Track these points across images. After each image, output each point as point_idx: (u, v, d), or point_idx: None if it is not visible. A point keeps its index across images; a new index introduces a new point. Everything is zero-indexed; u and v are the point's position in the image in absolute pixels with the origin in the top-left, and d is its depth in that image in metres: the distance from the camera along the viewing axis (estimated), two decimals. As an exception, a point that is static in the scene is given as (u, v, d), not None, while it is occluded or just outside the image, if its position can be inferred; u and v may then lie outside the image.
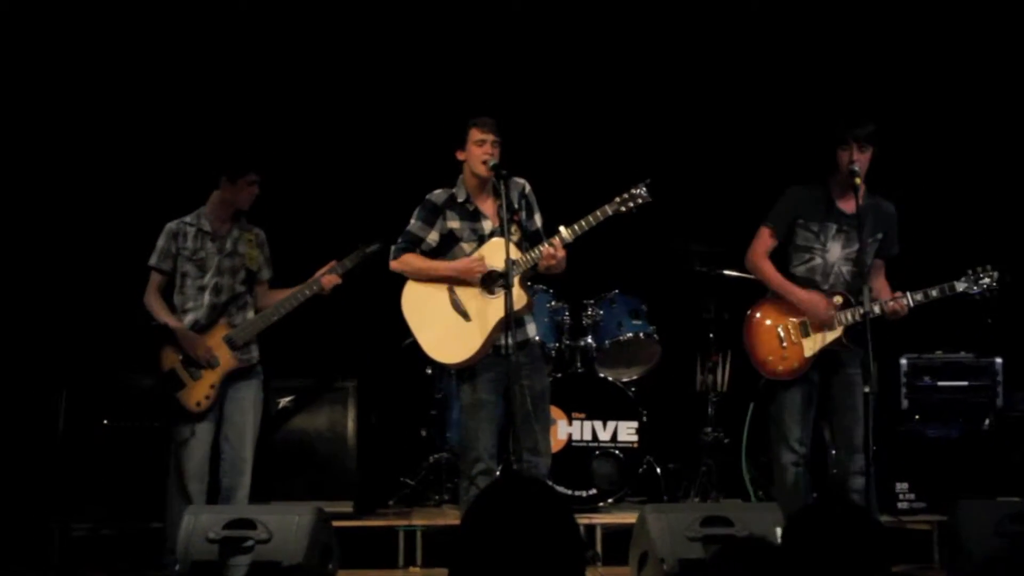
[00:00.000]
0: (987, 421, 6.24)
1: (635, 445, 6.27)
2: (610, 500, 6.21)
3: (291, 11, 6.90)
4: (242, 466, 5.36)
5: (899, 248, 5.31)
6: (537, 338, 5.35)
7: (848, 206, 5.18)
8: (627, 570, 4.74)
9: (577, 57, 7.09)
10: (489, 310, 5.04)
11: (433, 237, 5.16)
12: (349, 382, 6.26)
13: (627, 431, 6.29)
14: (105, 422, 5.98)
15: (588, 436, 6.28)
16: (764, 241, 5.29)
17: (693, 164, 7.08)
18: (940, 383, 6.33)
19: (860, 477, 5.07)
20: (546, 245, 4.95)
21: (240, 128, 6.74)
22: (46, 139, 6.74)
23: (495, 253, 5.02)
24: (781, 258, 5.30)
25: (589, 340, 6.51)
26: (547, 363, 6.16)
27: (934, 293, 5.06)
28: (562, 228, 4.96)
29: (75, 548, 5.72)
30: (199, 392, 5.32)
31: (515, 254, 4.91)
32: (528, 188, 5.23)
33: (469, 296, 5.09)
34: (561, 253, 4.96)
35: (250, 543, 4.47)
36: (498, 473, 5.26)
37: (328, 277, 5.41)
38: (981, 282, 5.04)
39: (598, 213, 4.95)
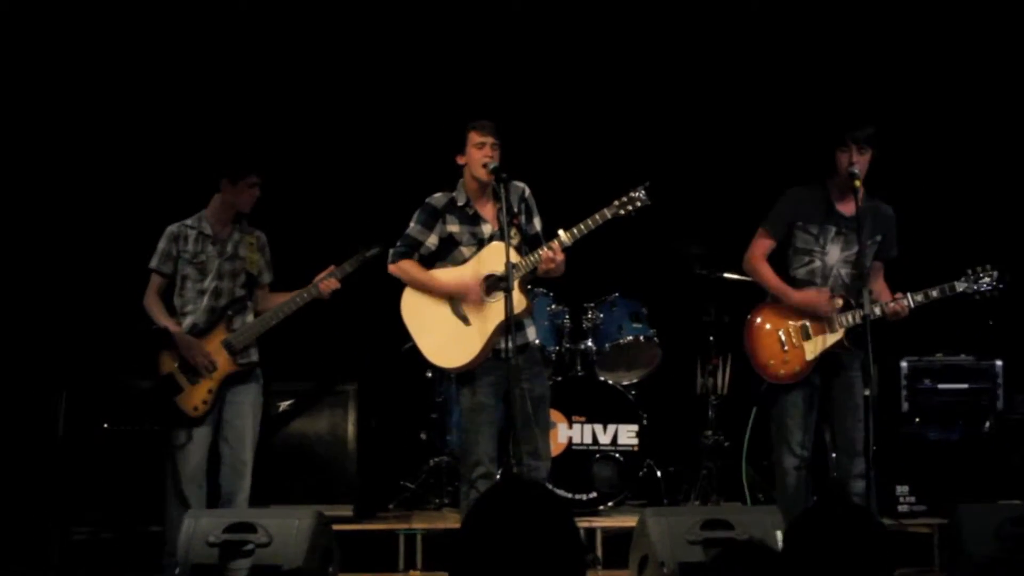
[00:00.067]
0: (987, 424, 6.24)
1: (635, 448, 6.27)
2: (610, 503, 6.21)
3: (291, 14, 6.90)
4: (242, 469, 5.35)
5: (898, 250, 5.31)
6: (537, 341, 5.35)
7: (847, 208, 5.17)
8: (627, 573, 4.73)
9: (576, 60, 7.09)
10: (488, 314, 5.04)
11: (432, 241, 5.16)
12: (349, 385, 6.26)
13: (627, 434, 6.29)
14: (105, 426, 5.98)
15: (588, 439, 6.28)
16: (762, 243, 5.29)
17: (693, 166, 7.08)
18: (940, 386, 6.33)
19: (861, 480, 5.06)
20: (545, 249, 4.95)
21: (241, 131, 6.74)
22: (46, 141, 6.74)
23: (494, 257, 5.02)
24: (780, 261, 5.30)
25: (589, 343, 6.51)
26: (547, 367, 6.17)
27: (934, 294, 5.05)
28: (561, 232, 4.95)
29: (75, 552, 5.72)
30: (196, 397, 5.31)
31: (514, 258, 4.91)
32: (528, 192, 5.23)
33: (468, 300, 5.09)
34: (560, 256, 4.96)
35: (250, 547, 4.46)
36: (498, 477, 5.26)
37: (327, 282, 5.40)
38: (981, 282, 5.04)
39: (597, 216, 4.94)
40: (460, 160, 5.15)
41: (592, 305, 6.57)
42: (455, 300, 5.11)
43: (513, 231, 5.03)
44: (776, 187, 5.37)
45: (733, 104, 7.14)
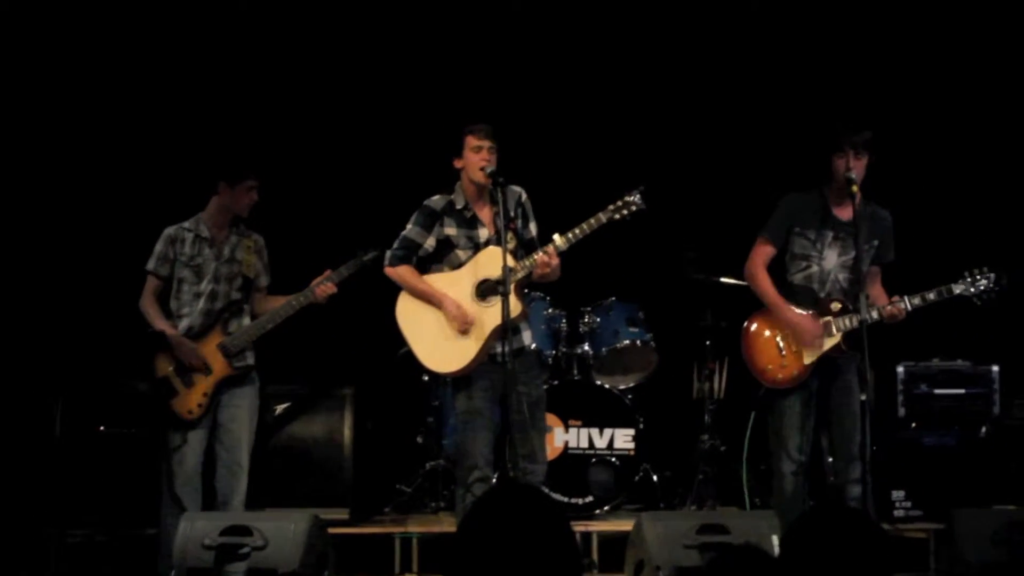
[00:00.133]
0: (984, 429, 6.24)
1: (631, 453, 6.26)
2: (606, 508, 6.20)
3: (290, 17, 6.90)
4: (238, 472, 5.35)
5: (895, 254, 5.31)
6: (534, 346, 5.35)
7: (844, 213, 5.18)
8: (623, 578, 4.73)
9: (573, 64, 7.09)
10: (484, 318, 5.04)
11: (430, 243, 5.16)
12: (346, 389, 6.26)
13: (624, 439, 6.28)
14: (101, 428, 5.97)
15: (584, 443, 6.28)
16: (762, 252, 5.29)
17: (690, 171, 7.08)
18: (937, 391, 6.32)
19: (858, 485, 5.05)
20: (541, 253, 4.95)
21: (239, 134, 6.74)
22: (43, 144, 6.73)
23: (490, 261, 5.03)
24: (779, 266, 5.30)
25: (586, 347, 6.51)
26: (544, 371, 6.17)
27: (931, 296, 5.05)
28: (556, 236, 4.95)
29: (70, 554, 5.71)
30: (191, 400, 5.31)
31: (510, 262, 4.91)
32: (524, 196, 5.23)
33: (464, 305, 5.08)
34: (555, 261, 4.97)
35: (246, 550, 4.46)
36: (494, 481, 5.25)
37: (323, 286, 5.40)
38: (978, 284, 5.03)
39: (592, 221, 4.95)
40: (457, 164, 5.15)
41: (589, 309, 6.57)
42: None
43: (510, 235, 5.03)
44: (773, 192, 5.37)
45: (730, 109, 7.14)
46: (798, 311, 5.17)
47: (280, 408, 6.16)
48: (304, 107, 7.03)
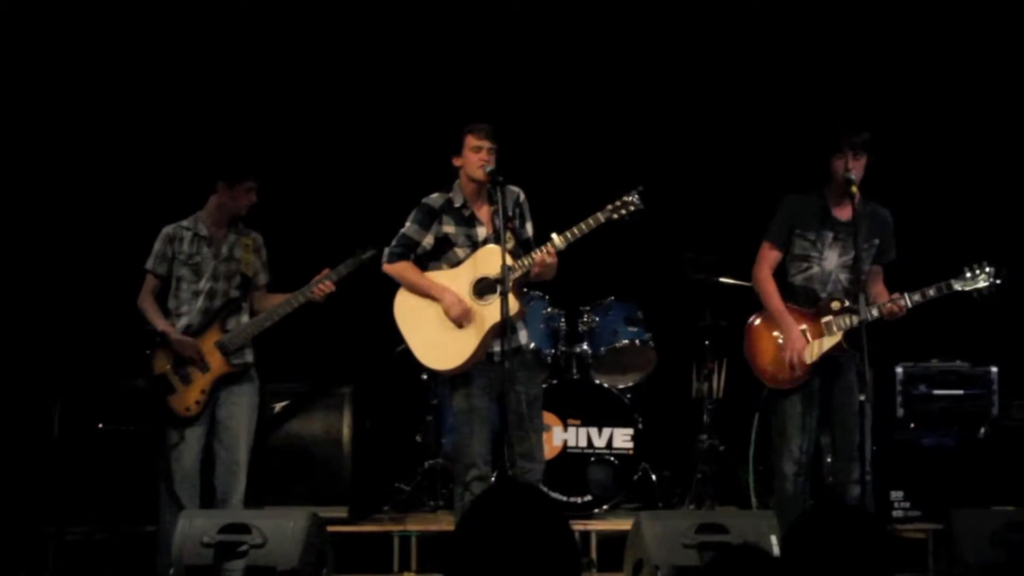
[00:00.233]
0: (982, 430, 6.24)
1: (630, 452, 6.26)
2: (605, 507, 6.20)
3: (289, 16, 6.91)
4: (237, 470, 5.35)
5: (896, 253, 5.31)
6: (532, 345, 5.35)
7: (843, 213, 5.18)
8: (622, 577, 4.74)
9: (573, 64, 7.09)
10: (482, 316, 5.04)
11: (428, 241, 5.16)
12: (345, 387, 6.26)
13: (622, 438, 6.28)
14: (100, 426, 5.97)
15: (583, 443, 6.28)
16: (768, 257, 5.28)
17: (689, 171, 7.08)
18: (936, 392, 6.32)
19: (858, 486, 5.05)
20: (539, 252, 4.95)
21: (237, 132, 6.74)
22: (42, 143, 6.73)
23: (488, 260, 5.03)
24: (780, 267, 5.30)
25: (585, 347, 6.51)
26: (543, 370, 6.17)
27: (931, 292, 5.04)
28: (554, 235, 4.95)
29: (69, 552, 5.71)
30: (189, 397, 5.31)
31: (508, 261, 4.91)
32: (523, 197, 5.23)
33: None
34: (553, 260, 4.96)
35: (245, 547, 4.46)
36: (493, 479, 5.25)
37: (321, 285, 5.39)
38: (978, 279, 5.03)
39: (590, 220, 4.94)
40: (456, 162, 5.15)
41: (588, 309, 6.57)
42: (449, 302, 5.11)
43: (508, 234, 5.02)
44: (772, 192, 5.37)
45: (730, 109, 7.14)
46: (794, 329, 5.16)
47: (279, 406, 6.16)
48: (303, 105, 7.03)
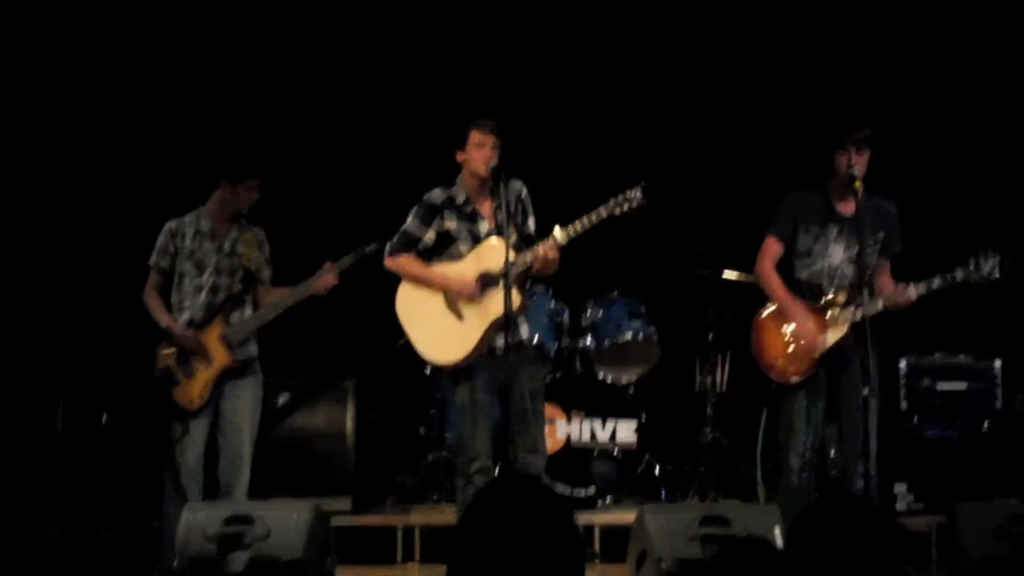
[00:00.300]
0: (986, 423, 6.24)
1: (634, 445, 6.27)
2: (608, 499, 6.21)
3: (291, 12, 6.91)
4: (240, 463, 5.36)
5: (902, 246, 5.29)
6: (536, 338, 5.35)
7: (847, 209, 5.17)
8: (625, 568, 4.74)
9: (575, 59, 7.09)
10: (484, 311, 5.04)
11: (430, 236, 5.16)
12: (348, 380, 6.27)
13: (626, 431, 6.29)
14: (104, 418, 5.97)
15: (587, 436, 6.29)
16: (771, 251, 5.27)
17: (692, 165, 7.08)
18: (939, 385, 6.33)
19: (862, 478, 5.05)
20: (541, 246, 4.95)
21: (239, 127, 6.74)
22: (45, 140, 6.73)
23: (491, 254, 5.02)
24: (786, 263, 5.29)
25: (589, 341, 6.52)
26: (546, 363, 6.17)
27: (936, 283, 5.03)
28: (557, 228, 4.94)
29: (73, 548, 5.72)
30: (193, 390, 5.31)
31: (511, 255, 4.90)
32: (525, 192, 5.22)
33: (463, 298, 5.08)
34: (555, 254, 4.96)
35: (248, 539, 4.47)
36: (496, 472, 5.26)
37: (324, 278, 5.40)
38: (983, 268, 5.01)
39: (592, 215, 4.93)
40: (459, 157, 5.14)
41: (592, 302, 6.58)
42: (450, 296, 5.11)
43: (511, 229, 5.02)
44: (776, 188, 5.36)
45: (733, 104, 7.14)
46: (805, 316, 5.15)
47: (282, 399, 6.17)
48: (306, 100, 7.04)
